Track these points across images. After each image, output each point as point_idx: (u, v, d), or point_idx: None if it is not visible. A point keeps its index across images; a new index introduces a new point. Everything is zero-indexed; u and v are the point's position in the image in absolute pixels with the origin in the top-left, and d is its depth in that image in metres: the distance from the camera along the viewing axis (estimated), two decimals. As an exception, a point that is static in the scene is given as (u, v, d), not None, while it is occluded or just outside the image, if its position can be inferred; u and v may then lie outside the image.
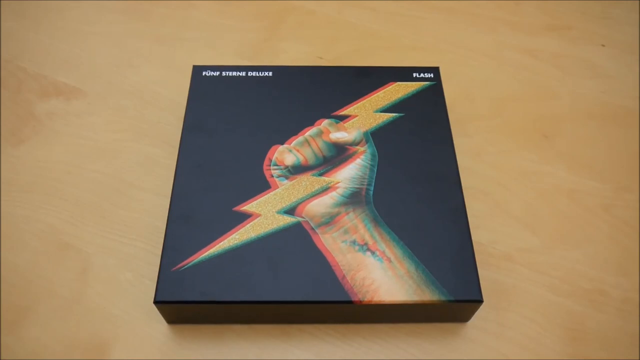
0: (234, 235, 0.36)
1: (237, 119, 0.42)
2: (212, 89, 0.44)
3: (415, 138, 0.41)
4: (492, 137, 0.48)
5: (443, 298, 0.34)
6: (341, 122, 0.42)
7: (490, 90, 0.52)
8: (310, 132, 0.41)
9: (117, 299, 0.38)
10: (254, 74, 0.45)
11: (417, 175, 0.39)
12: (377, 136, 0.41)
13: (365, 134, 0.41)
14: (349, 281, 0.34)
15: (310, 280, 0.34)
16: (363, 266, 0.35)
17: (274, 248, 0.36)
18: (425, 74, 0.45)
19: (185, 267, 0.35)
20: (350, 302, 0.34)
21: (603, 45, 0.56)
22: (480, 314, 0.38)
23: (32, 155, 0.46)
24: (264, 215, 0.37)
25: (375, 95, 0.44)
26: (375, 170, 0.39)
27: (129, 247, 0.41)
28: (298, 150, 0.40)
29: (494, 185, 0.45)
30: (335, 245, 0.36)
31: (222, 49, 0.54)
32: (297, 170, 0.39)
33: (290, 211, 0.37)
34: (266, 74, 0.45)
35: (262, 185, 0.38)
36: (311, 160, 0.40)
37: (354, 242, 0.36)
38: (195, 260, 0.35)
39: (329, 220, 0.37)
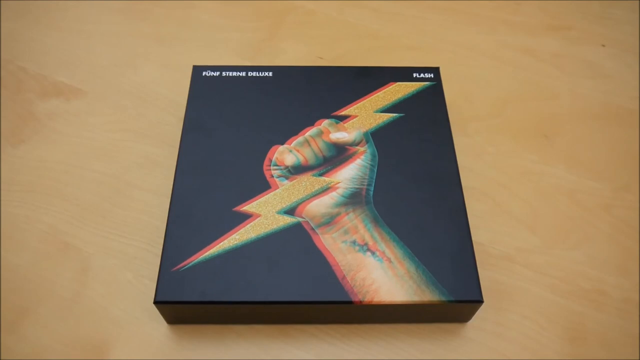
0: (234, 236, 0.36)
1: (237, 119, 0.42)
2: (212, 89, 0.44)
3: (415, 138, 0.41)
4: (492, 137, 0.48)
5: (443, 298, 0.34)
6: (341, 122, 0.42)
7: (490, 90, 0.52)
8: (310, 132, 0.41)
9: (117, 299, 0.38)
10: (254, 74, 0.45)
11: (417, 175, 0.39)
12: (377, 136, 0.41)
13: (366, 134, 0.41)
14: (349, 281, 0.34)
15: (310, 280, 0.34)
16: (363, 266, 0.35)
17: (274, 248, 0.36)
18: (426, 74, 0.45)
19: (185, 267, 0.35)
20: (350, 302, 0.34)
21: (603, 45, 0.56)
22: (480, 314, 0.38)
23: (32, 155, 0.46)
24: (264, 215, 0.37)
25: (375, 95, 0.44)
26: (376, 171, 0.39)
27: (129, 247, 0.41)
28: (298, 151, 0.40)
29: (494, 185, 0.45)
30: (336, 246, 0.36)
31: (222, 49, 0.54)
32: (297, 170, 0.39)
33: (291, 211, 0.37)
34: (266, 74, 0.45)
35: (262, 186, 0.38)
36: (311, 160, 0.40)
37: (354, 243, 0.36)
38: (195, 261, 0.35)
39: (329, 221, 0.37)
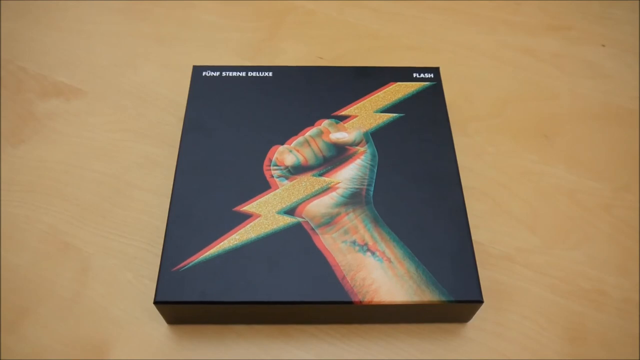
0: (234, 236, 0.36)
1: (237, 119, 0.42)
2: (212, 89, 0.44)
3: (415, 138, 0.41)
4: (492, 137, 0.48)
5: (443, 298, 0.34)
6: (341, 122, 0.42)
7: (490, 90, 0.52)
8: (310, 132, 0.41)
9: (117, 299, 0.38)
10: (254, 74, 0.45)
11: (417, 175, 0.39)
12: (377, 136, 0.41)
13: (366, 134, 0.41)
14: (349, 281, 0.34)
15: (310, 280, 0.34)
16: (363, 266, 0.35)
17: (274, 248, 0.36)
18: (426, 74, 0.45)
19: (185, 267, 0.35)
20: (350, 302, 0.34)
21: (603, 45, 0.56)
22: (480, 314, 0.38)
23: (32, 155, 0.46)
24: (264, 215, 0.37)
25: (375, 95, 0.44)
26: (375, 171, 0.39)
27: (129, 247, 0.41)
28: (298, 151, 0.40)
29: (494, 185, 0.45)
30: (335, 246, 0.36)
31: (222, 49, 0.54)
32: (297, 170, 0.39)
33: (291, 211, 0.37)
34: (266, 74, 0.45)
35: (262, 186, 0.38)
36: (311, 160, 0.40)
37: (354, 243, 0.36)
38: (195, 261, 0.35)
39: (329, 221, 0.37)
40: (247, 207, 0.37)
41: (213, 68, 0.45)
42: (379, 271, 0.35)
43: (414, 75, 0.45)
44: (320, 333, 0.37)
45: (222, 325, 0.37)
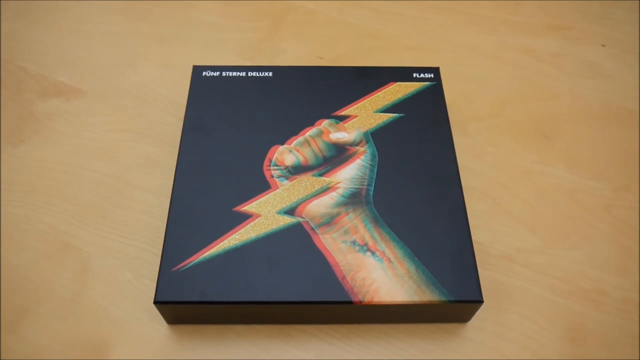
0: (234, 236, 0.36)
1: (237, 119, 0.42)
2: (212, 89, 0.44)
3: (415, 138, 0.41)
4: (492, 137, 0.48)
5: (443, 298, 0.34)
6: (341, 122, 0.42)
7: (490, 90, 0.52)
8: (310, 132, 0.41)
9: (117, 299, 0.38)
10: (254, 74, 0.45)
11: (417, 175, 0.39)
12: (377, 136, 0.41)
13: (366, 134, 0.41)
14: (349, 281, 0.34)
15: (310, 280, 0.34)
16: (363, 266, 0.35)
17: (274, 248, 0.36)
18: (426, 74, 0.45)
19: (185, 267, 0.35)
20: (350, 302, 0.34)
21: (603, 45, 0.56)
22: (480, 314, 0.38)
23: (32, 155, 0.46)
24: (264, 215, 0.37)
25: (375, 95, 0.44)
26: (376, 171, 0.39)
27: (129, 247, 0.41)
28: (298, 151, 0.40)
29: (494, 185, 0.45)
30: (336, 246, 0.36)
31: (222, 49, 0.54)
32: (297, 170, 0.39)
33: (291, 211, 0.37)
34: (266, 74, 0.45)
35: (262, 186, 0.38)
36: (311, 160, 0.40)
37: (354, 243, 0.36)
38: (195, 261, 0.35)
39: (329, 221, 0.37)
40: (247, 207, 0.38)
41: (213, 68, 0.45)
42: (379, 271, 0.35)
43: (414, 75, 0.45)
44: (320, 333, 0.37)
45: (222, 325, 0.37)
